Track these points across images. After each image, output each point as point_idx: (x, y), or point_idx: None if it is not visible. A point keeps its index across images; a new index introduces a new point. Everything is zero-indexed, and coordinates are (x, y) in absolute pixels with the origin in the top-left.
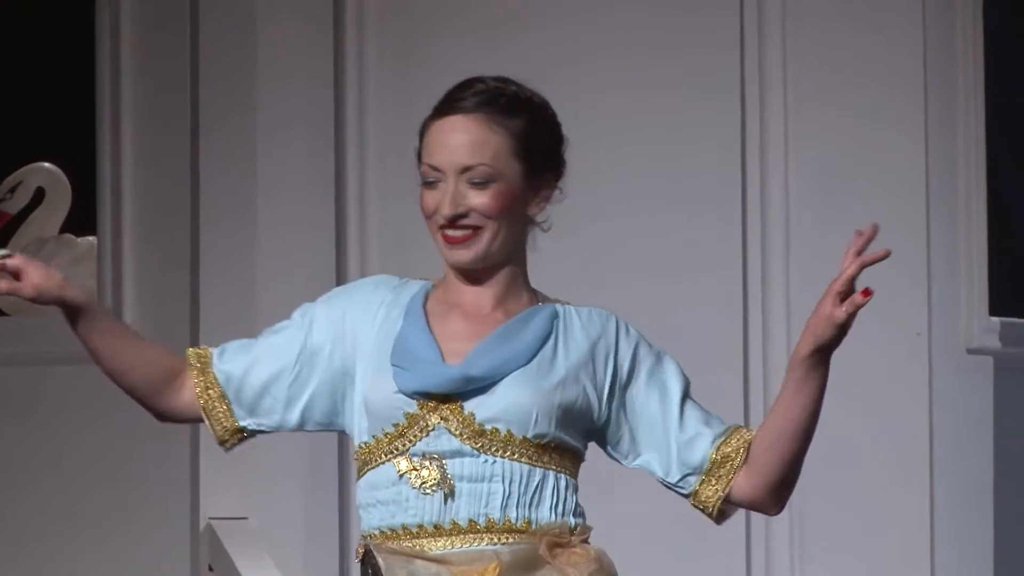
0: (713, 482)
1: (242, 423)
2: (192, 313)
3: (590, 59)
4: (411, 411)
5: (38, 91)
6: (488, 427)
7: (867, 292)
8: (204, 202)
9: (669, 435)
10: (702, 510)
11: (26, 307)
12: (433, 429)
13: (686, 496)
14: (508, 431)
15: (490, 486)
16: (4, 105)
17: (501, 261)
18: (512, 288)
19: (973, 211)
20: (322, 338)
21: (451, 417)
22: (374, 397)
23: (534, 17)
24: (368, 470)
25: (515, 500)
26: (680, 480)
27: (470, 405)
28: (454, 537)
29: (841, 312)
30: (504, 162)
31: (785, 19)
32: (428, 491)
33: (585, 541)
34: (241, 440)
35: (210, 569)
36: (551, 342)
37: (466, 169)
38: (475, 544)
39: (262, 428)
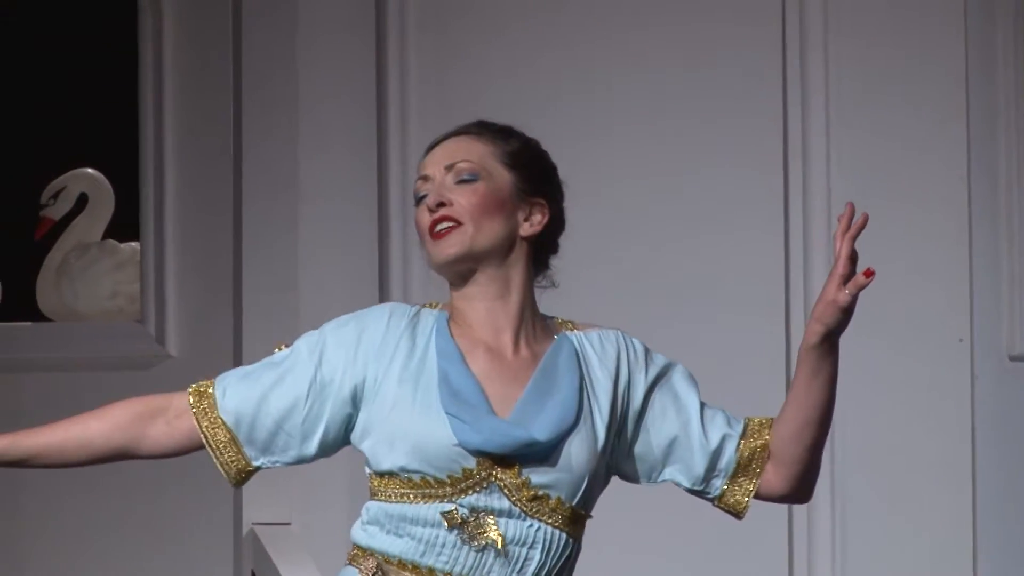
0: (742, 482)
1: (256, 463)
2: (235, 318)
3: (628, 68)
4: (469, 466)
5: (81, 98)
6: (541, 492)
7: (869, 272)
8: (247, 208)
9: (692, 444)
10: (729, 511)
11: (73, 313)
12: (487, 487)
13: (712, 499)
14: (559, 498)
15: (529, 552)
16: (48, 112)
17: (496, 277)
18: (525, 312)
19: (1015, 218)
20: (331, 370)
21: (506, 478)
22: (428, 444)
23: (572, 32)
24: (398, 500)
25: (546, 571)
26: (706, 486)
27: (527, 469)
28: None
29: (845, 295)
30: (490, 165)
31: (827, 30)
32: (479, 548)
33: None
34: (254, 475)
35: (253, 575)
36: (586, 394)
37: (451, 167)
38: None
39: (277, 464)
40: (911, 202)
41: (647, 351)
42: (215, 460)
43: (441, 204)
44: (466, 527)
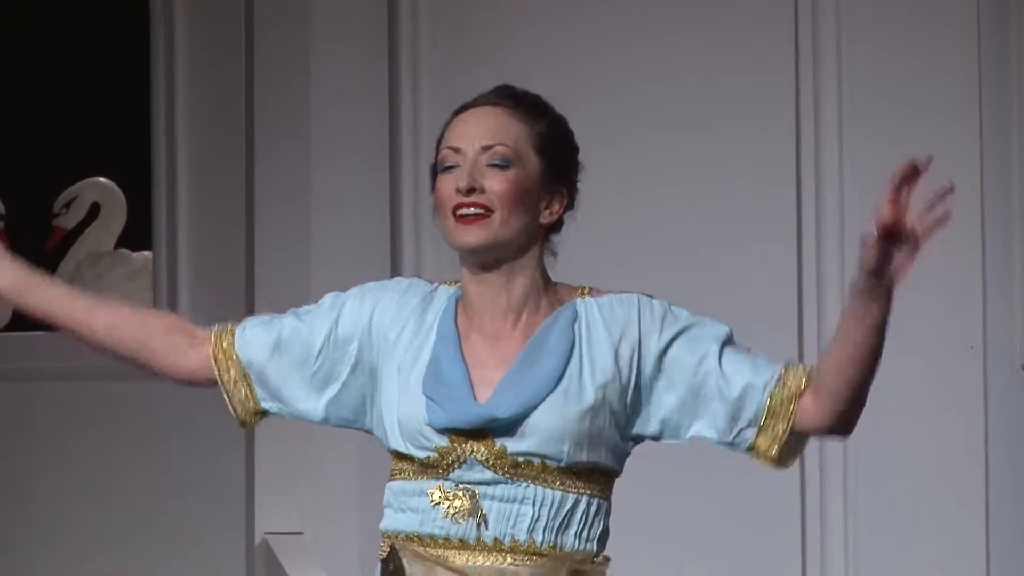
0: (771, 429)
1: (265, 405)
2: None
3: (640, 76)
4: (442, 444)
5: (94, 107)
6: (521, 459)
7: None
8: (259, 218)
9: (716, 396)
10: (762, 459)
11: None
12: (465, 461)
13: (746, 451)
14: (542, 462)
15: (520, 507)
16: (60, 121)
17: (513, 265)
18: (530, 296)
19: None
20: (349, 331)
21: (482, 449)
22: (406, 423)
23: (584, 41)
24: (400, 477)
25: (543, 524)
26: (736, 436)
27: (501, 439)
28: (478, 553)
29: (868, 228)
30: (523, 150)
31: (839, 38)
32: (458, 520)
33: (605, 567)
34: (261, 419)
35: None
36: (575, 357)
37: (487, 148)
38: (498, 562)
39: (282, 413)
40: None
41: (668, 311)
42: (226, 398)
43: (473, 189)
44: (448, 504)
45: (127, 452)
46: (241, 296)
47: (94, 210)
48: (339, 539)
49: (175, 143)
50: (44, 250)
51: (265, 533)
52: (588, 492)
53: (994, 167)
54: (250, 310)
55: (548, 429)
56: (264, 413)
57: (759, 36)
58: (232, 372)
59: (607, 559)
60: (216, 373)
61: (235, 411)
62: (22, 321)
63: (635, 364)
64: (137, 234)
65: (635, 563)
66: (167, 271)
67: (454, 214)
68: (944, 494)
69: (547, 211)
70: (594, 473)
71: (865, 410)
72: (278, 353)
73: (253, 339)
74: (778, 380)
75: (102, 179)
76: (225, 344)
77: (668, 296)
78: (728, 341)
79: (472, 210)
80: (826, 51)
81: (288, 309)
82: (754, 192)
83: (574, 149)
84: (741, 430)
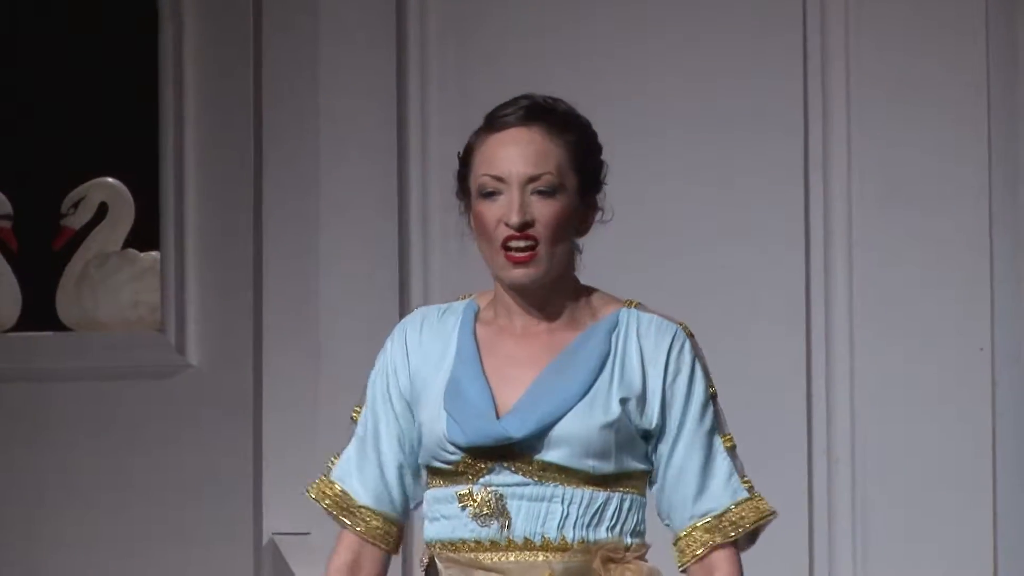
0: (678, 554)
1: (403, 521)
2: (255, 327)
3: (648, 77)
4: (467, 459)
5: (102, 107)
6: (549, 464)
7: None
8: (267, 217)
9: (666, 485)
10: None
11: (94, 322)
12: (492, 469)
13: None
14: (569, 467)
15: (549, 506)
16: (68, 121)
17: (554, 283)
18: (566, 306)
19: None
20: (403, 401)
21: (508, 457)
22: (428, 439)
23: (592, 42)
24: (433, 486)
25: (572, 520)
26: (667, 523)
27: (527, 448)
28: (510, 552)
29: None
30: (565, 174)
31: (848, 39)
32: (486, 523)
33: (641, 558)
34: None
35: None
36: (608, 368)
37: (532, 179)
38: (528, 558)
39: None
40: (932, 210)
41: (694, 369)
42: (380, 543)
43: (527, 224)
44: (475, 507)
45: (135, 452)
46: (249, 296)
47: (102, 210)
48: None
49: (183, 143)
50: (52, 250)
51: (272, 533)
52: (621, 490)
53: (1002, 167)
54: (257, 311)
55: (571, 440)
56: (402, 525)
57: (768, 37)
58: (374, 524)
59: (645, 546)
60: (374, 542)
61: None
62: (30, 321)
63: (660, 393)
64: (145, 234)
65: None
66: (175, 271)
67: (504, 247)
68: (953, 492)
69: (582, 225)
70: (624, 475)
71: (875, 409)
72: (388, 475)
73: (368, 492)
74: (686, 532)
75: (110, 179)
76: (354, 514)
77: (677, 296)
78: (711, 445)
79: (524, 243)
80: (834, 51)
81: (294, 310)
82: (762, 192)
83: (601, 152)
84: (667, 524)
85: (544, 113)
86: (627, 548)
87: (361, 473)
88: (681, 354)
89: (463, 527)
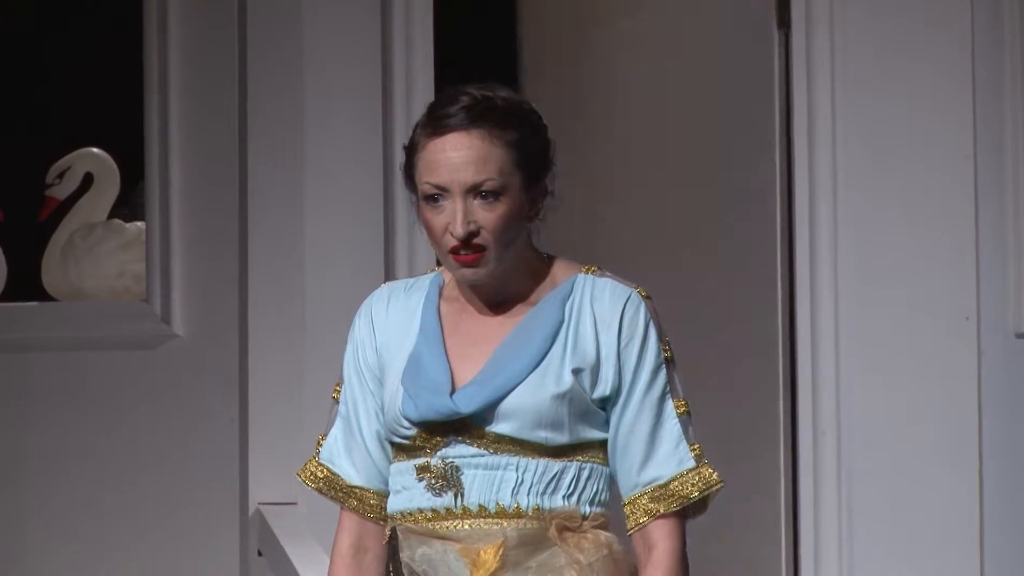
0: (625, 520)
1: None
2: (241, 297)
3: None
4: (421, 433)
5: (85, 76)
6: (502, 435)
7: None
8: (252, 188)
9: (616, 450)
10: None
11: (79, 292)
12: (448, 443)
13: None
14: (522, 439)
15: (503, 474)
16: (53, 91)
17: (506, 270)
18: (524, 282)
19: (1022, 196)
20: (370, 390)
21: (462, 430)
22: (387, 414)
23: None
24: (396, 460)
25: (527, 488)
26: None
27: (480, 421)
28: (464, 520)
29: None
30: (509, 174)
31: (832, 6)
32: (440, 492)
33: (602, 527)
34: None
35: (259, 554)
36: (561, 338)
37: (474, 187)
38: (483, 525)
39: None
40: (917, 180)
41: (647, 332)
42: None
43: (471, 234)
44: (429, 477)
45: (121, 422)
46: (234, 266)
47: (87, 180)
48: (333, 509)
49: (168, 112)
50: (37, 221)
51: (259, 503)
52: (579, 459)
53: (987, 136)
54: (243, 281)
55: (521, 412)
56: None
57: (749, 5)
58: (371, 499)
59: (604, 515)
60: (374, 519)
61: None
62: (15, 291)
63: (615, 360)
64: (129, 204)
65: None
66: (160, 241)
67: (452, 254)
68: (939, 463)
69: (531, 211)
70: (581, 445)
71: (861, 380)
72: (371, 447)
73: (354, 464)
74: (630, 499)
75: (95, 149)
76: (351, 497)
77: (664, 268)
78: (661, 413)
79: (469, 252)
80: (818, 21)
81: (279, 281)
82: (742, 163)
83: (547, 140)
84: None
85: (485, 113)
86: (584, 517)
87: (349, 453)
88: (635, 318)
89: (420, 497)
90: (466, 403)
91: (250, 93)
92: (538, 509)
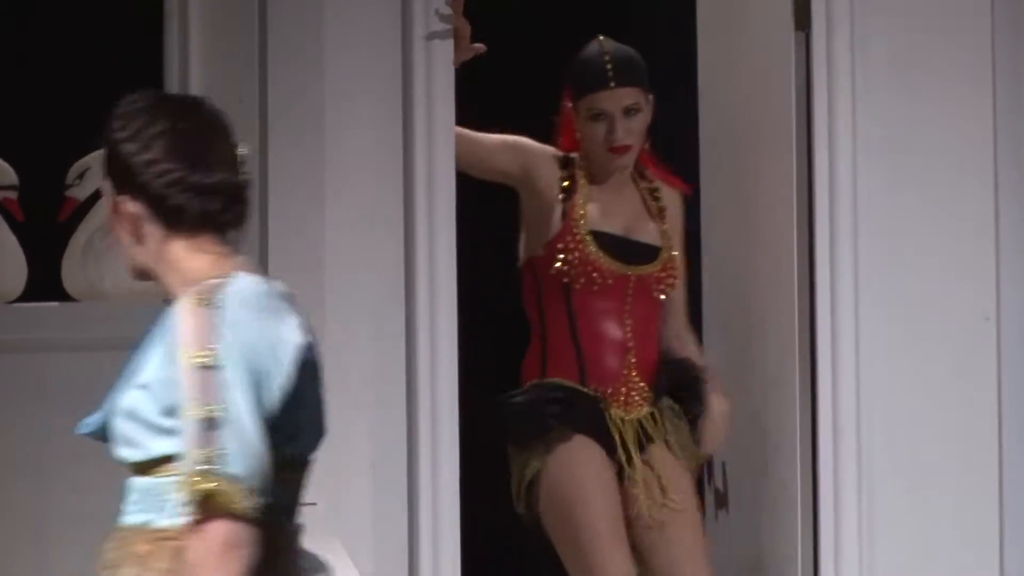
0: None
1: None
2: None
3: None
4: None
5: (107, 77)
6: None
7: None
8: (272, 186)
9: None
10: None
11: (99, 293)
12: None
13: None
14: (120, 458)
15: (129, 495)
16: (74, 92)
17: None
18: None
19: None
20: None
21: None
22: None
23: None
24: None
25: (138, 507)
26: None
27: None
28: (113, 540)
29: None
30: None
31: (853, 11)
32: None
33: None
34: None
35: None
36: (137, 357)
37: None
38: (116, 547)
39: None
40: (937, 182)
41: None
42: None
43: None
44: None
45: None
46: (254, 267)
47: None
48: (352, 509)
49: None
50: (57, 222)
51: None
52: (164, 475)
53: (1008, 137)
54: (264, 263)
55: (111, 433)
56: None
57: (770, 6)
58: None
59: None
60: None
61: None
62: (35, 292)
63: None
64: None
65: None
66: None
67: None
68: (958, 463)
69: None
70: (160, 460)
71: (880, 381)
72: None
73: None
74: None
75: None
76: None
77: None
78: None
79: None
80: (839, 26)
81: (297, 282)
82: (763, 167)
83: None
84: None
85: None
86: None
87: None
88: (175, 326)
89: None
90: (81, 426)
91: (270, 96)
92: (142, 526)
